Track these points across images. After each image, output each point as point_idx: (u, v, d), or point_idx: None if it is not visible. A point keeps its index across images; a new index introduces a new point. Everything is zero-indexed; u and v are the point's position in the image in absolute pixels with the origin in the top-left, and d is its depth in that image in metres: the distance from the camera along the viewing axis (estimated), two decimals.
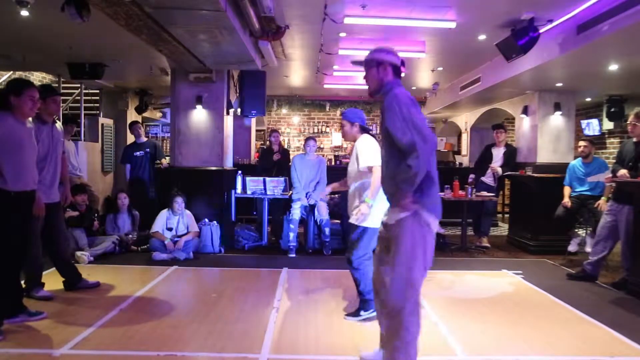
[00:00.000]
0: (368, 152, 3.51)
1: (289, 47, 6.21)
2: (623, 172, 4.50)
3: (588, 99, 8.74)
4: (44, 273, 4.06)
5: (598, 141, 8.78)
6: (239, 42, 4.71)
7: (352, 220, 3.51)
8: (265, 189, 6.25)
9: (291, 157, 7.00)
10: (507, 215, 8.63)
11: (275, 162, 6.85)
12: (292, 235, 5.91)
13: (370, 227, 3.43)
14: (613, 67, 5.70)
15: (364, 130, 3.68)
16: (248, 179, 6.32)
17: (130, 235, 6.04)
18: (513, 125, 8.80)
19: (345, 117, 3.71)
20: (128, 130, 7.95)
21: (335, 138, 11.13)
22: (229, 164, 6.54)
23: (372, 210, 3.42)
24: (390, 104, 2.36)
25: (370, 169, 3.46)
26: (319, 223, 6.01)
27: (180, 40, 4.67)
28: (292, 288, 4.46)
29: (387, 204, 2.58)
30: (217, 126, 6.28)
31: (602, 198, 5.24)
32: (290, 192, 6.26)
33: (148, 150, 7.06)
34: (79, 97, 8.31)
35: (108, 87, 8.62)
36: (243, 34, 4.68)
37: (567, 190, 5.82)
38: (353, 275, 3.59)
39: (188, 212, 5.82)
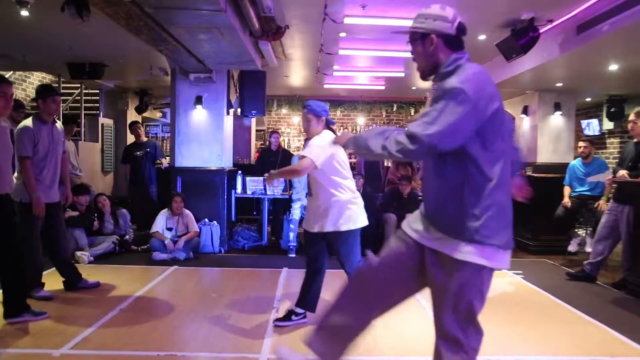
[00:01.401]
0: (313, 146, 3.09)
1: (289, 47, 6.20)
2: (622, 172, 4.51)
3: (588, 99, 8.75)
4: (44, 273, 4.05)
5: (598, 141, 8.79)
6: (239, 42, 4.71)
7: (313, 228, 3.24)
8: (265, 189, 6.25)
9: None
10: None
11: (274, 162, 6.85)
12: (292, 235, 5.92)
13: (356, 228, 3.21)
14: (613, 67, 5.71)
15: (328, 125, 3.28)
16: (248, 179, 6.32)
17: (128, 236, 6.02)
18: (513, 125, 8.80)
19: (312, 110, 3.19)
20: (128, 130, 7.95)
21: None
22: (229, 164, 6.54)
23: (357, 209, 3.22)
24: (446, 91, 1.71)
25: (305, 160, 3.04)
26: None
27: (180, 40, 4.67)
28: (292, 288, 4.45)
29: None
30: (217, 126, 6.27)
31: (602, 198, 5.25)
32: (290, 192, 6.26)
33: (148, 150, 7.06)
34: (79, 97, 8.31)
35: (108, 87, 8.63)
36: (243, 34, 4.67)
37: (567, 190, 5.82)
38: None
39: (188, 212, 5.81)
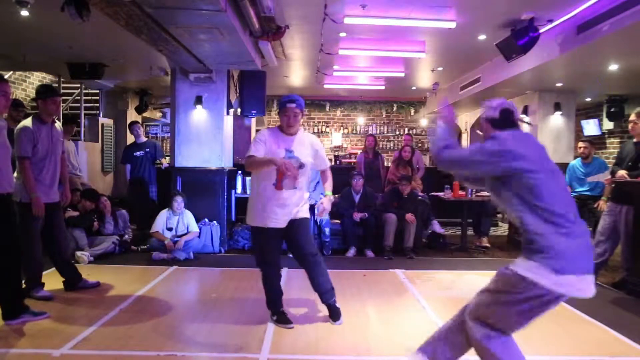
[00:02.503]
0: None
1: (289, 47, 6.21)
2: (622, 172, 4.50)
3: (588, 99, 8.74)
4: (44, 273, 4.05)
5: (598, 141, 8.78)
6: (239, 42, 4.71)
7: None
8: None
9: None
10: (507, 215, 8.62)
11: None
12: None
13: None
14: (613, 67, 5.71)
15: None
16: (248, 179, 6.32)
17: (127, 236, 6.02)
18: None
19: (301, 106, 3.32)
20: (128, 130, 7.96)
21: (335, 138, 11.13)
22: (229, 164, 6.54)
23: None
24: None
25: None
26: (318, 223, 6.01)
27: (180, 40, 4.67)
28: (292, 288, 4.45)
29: None
30: (217, 126, 6.27)
31: (602, 198, 5.24)
32: None
33: (148, 150, 7.05)
34: (79, 97, 8.31)
35: (108, 87, 8.63)
36: (243, 34, 4.68)
37: None
38: (323, 267, 3.58)
39: (188, 212, 5.81)
